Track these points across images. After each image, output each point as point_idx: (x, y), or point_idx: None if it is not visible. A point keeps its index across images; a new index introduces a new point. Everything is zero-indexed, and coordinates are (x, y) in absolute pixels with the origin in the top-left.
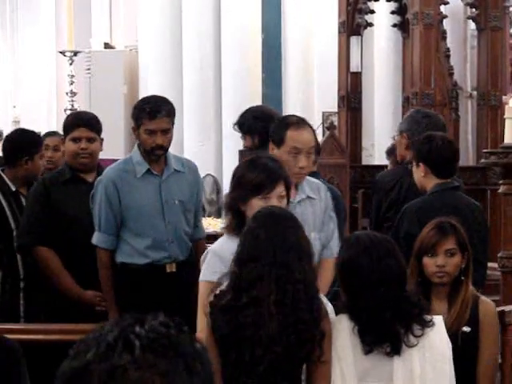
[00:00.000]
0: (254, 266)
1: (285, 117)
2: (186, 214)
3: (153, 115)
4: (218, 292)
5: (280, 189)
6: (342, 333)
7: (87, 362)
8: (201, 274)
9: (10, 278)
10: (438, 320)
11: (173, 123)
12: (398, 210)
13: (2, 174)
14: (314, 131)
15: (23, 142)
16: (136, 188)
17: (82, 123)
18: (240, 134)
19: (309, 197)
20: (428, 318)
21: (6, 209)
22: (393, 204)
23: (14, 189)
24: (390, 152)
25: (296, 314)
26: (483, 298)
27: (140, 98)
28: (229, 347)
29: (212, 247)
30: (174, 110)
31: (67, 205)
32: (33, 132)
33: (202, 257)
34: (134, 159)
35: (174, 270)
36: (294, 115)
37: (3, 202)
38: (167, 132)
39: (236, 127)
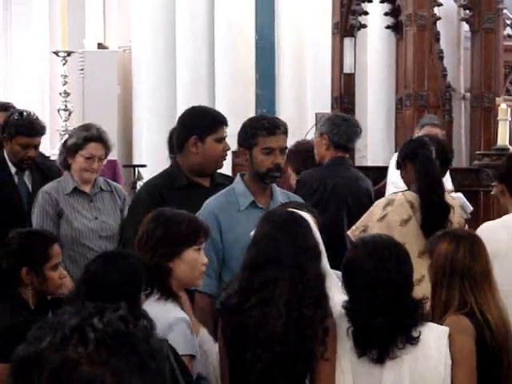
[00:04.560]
0: (270, 268)
1: None
2: None
3: (272, 131)
4: (228, 292)
5: None
6: (341, 333)
7: (41, 350)
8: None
9: None
10: (441, 332)
11: None
12: (321, 212)
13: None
14: None
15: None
16: (239, 222)
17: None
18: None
19: None
20: (415, 334)
21: None
22: (316, 205)
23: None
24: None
25: (300, 311)
26: None
27: (133, 98)
28: (233, 347)
29: (178, 318)
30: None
31: None
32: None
33: (164, 331)
34: (237, 190)
35: None
36: None
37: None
38: (284, 152)
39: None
